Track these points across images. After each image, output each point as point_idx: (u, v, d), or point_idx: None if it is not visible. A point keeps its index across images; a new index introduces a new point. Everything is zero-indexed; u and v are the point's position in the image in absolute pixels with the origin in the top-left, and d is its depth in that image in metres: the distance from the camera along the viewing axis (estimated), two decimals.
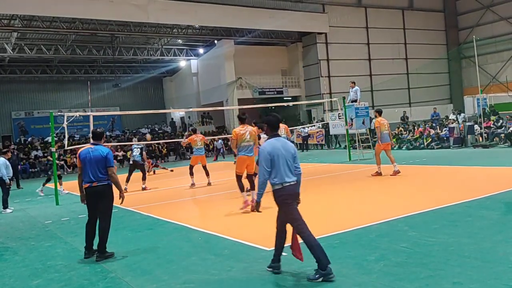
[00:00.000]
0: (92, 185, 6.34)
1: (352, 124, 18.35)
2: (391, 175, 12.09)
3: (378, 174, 12.39)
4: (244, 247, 6.34)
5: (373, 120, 13.10)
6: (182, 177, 15.68)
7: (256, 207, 5.38)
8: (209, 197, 11.73)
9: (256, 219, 8.35)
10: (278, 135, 5.21)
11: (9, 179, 11.76)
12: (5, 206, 11.82)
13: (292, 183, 4.99)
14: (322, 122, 27.34)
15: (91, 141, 6.73)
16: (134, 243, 7.15)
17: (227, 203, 10.20)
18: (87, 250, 6.48)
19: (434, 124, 23.87)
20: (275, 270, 5.12)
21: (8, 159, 12.27)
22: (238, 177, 9.19)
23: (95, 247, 6.47)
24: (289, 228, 5.13)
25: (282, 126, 11.13)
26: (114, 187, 6.53)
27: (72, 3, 24.12)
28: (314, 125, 28.82)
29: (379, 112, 12.93)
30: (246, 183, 9.28)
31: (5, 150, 12.96)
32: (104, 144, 6.92)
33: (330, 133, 25.05)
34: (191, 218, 9.27)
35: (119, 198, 6.50)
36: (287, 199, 4.99)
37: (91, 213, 6.51)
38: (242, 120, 9.29)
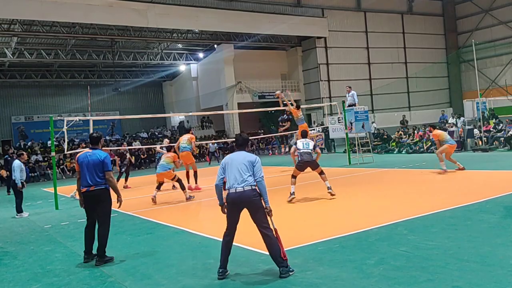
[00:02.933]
0: (90, 189, 6.35)
1: (351, 128, 18.35)
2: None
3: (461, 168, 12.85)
4: (244, 251, 6.33)
5: (432, 133, 13.89)
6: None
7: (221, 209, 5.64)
8: (208, 201, 11.71)
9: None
10: (241, 150, 5.63)
11: (22, 182, 11.49)
12: (19, 210, 11.58)
13: (238, 190, 5.26)
14: (322, 126, 27.33)
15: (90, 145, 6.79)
16: (134, 247, 7.14)
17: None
18: (86, 255, 6.48)
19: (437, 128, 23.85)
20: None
21: (24, 163, 12.06)
22: None
23: (94, 251, 6.47)
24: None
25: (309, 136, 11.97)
26: (112, 192, 6.54)
27: (72, 8, 24.20)
28: (314, 129, 28.78)
29: (434, 127, 14.19)
30: None
31: (20, 152, 12.74)
32: (107, 148, 6.96)
33: (330, 137, 25.04)
34: (190, 222, 9.26)
35: (117, 202, 6.54)
36: (229, 205, 5.40)
37: (90, 217, 6.54)
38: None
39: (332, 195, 9.87)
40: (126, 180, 16.90)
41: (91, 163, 6.37)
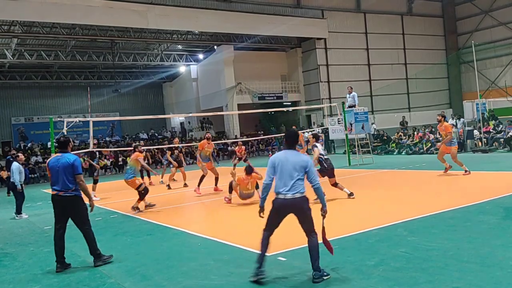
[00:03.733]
0: (59, 193, 6.22)
1: (351, 129, 18.37)
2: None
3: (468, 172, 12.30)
4: (244, 252, 6.34)
5: (444, 124, 12.73)
6: (182, 182, 15.65)
7: (259, 211, 5.40)
8: (208, 202, 11.72)
9: (256, 224, 8.35)
10: (292, 149, 5.26)
11: (21, 184, 11.53)
12: (19, 211, 11.60)
13: (288, 197, 4.97)
14: (322, 127, 27.35)
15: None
16: (134, 249, 7.14)
17: (226, 209, 10.20)
18: (59, 264, 6.24)
19: (433, 129, 23.88)
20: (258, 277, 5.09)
21: (23, 164, 12.08)
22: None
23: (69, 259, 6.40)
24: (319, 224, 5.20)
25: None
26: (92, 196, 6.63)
27: (72, 9, 24.20)
28: (314, 130, 28.81)
29: (444, 117, 13.04)
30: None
31: (15, 154, 12.76)
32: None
33: (330, 138, 25.04)
34: (190, 223, 9.27)
35: (89, 206, 6.50)
36: (273, 209, 5.11)
37: (58, 222, 6.34)
38: None
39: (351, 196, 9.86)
40: (148, 177, 16.74)
41: (61, 167, 6.23)
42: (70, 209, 6.28)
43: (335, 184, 10.02)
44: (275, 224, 5.16)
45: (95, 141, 20.18)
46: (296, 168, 4.99)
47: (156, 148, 26.00)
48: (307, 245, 5.11)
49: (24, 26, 25.60)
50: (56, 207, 6.33)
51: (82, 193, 6.38)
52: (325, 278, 4.89)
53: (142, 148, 12.19)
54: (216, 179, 13.06)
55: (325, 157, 10.01)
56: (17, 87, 34.45)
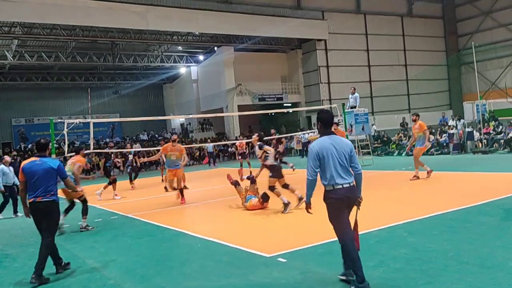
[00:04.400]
0: (36, 200, 5.93)
1: (351, 130, 18.39)
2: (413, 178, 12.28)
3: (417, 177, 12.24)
4: (244, 253, 6.34)
5: (417, 123, 12.55)
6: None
7: (306, 207, 4.89)
8: (207, 203, 11.72)
9: (256, 225, 8.36)
10: (332, 133, 4.74)
11: (9, 186, 11.72)
12: (15, 210, 11.95)
13: (344, 185, 4.54)
14: None
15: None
16: (134, 250, 7.14)
17: (225, 209, 10.20)
18: (57, 266, 6.18)
19: (433, 130, 23.89)
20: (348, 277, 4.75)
21: (11, 164, 12.23)
22: None
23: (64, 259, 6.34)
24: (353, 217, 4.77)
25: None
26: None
27: (72, 10, 24.21)
28: (314, 131, 28.81)
29: (418, 115, 12.88)
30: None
31: (1, 156, 12.88)
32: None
33: None
34: (190, 224, 9.28)
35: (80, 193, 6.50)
36: (335, 202, 4.58)
37: (40, 228, 6.13)
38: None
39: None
40: (131, 180, 16.70)
41: (39, 172, 5.91)
42: (45, 214, 5.97)
43: (285, 186, 9.52)
44: (344, 221, 4.62)
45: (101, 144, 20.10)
46: (346, 154, 4.57)
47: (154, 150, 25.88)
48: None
49: (24, 28, 25.62)
50: (34, 215, 6.01)
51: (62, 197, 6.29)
52: None
53: (85, 152, 10.59)
54: (181, 191, 11.64)
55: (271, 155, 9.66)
56: (17, 88, 34.49)
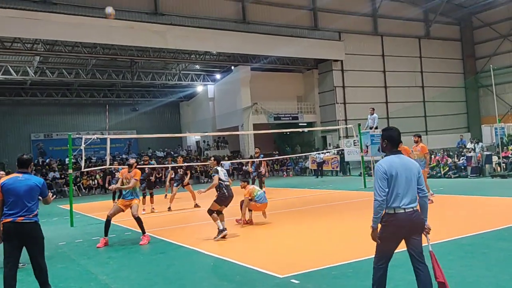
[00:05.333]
0: (16, 220, 5.18)
1: (367, 151, 18.26)
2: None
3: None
4: (256, 273, 6.27)
5: (418, 145, 12.23)
6: (198, 201, 15.63)
7: (371, 234, 4.45)
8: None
9: (269, 244, 8.29)
10: (399, 152, 4.43)
11: None
12: None
13: (407, 209, 4.19)
14: (337, 149, 27.26)
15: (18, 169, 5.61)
16: (146, 267, 7.12)
17: (238, 228, 10.14)
18: None
19: (451, 153, 23.60)
20: None
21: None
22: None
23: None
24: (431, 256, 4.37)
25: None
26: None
27: (94, 28, 24.80)
28: (329, 151, 28.74)
29: (420, 137, 12.53)
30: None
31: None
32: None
33: (345, 160, 24.91)
34: (203, 242, 9.23)
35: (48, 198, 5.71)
36: (392, 227, 4.22)
37: (11, 257, 5.22)
38: None
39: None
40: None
41: (23, 190, 5.29)
42: (29, 239, 5.26)
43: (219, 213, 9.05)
44: (392, 250, 4.30)
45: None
46: (414, 175, 4.24)
47: (161, 167, 25.37)
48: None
49: (46, 45, 26.29)
50: (11, 238, 5.19)
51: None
52: None
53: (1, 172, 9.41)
54: (138, 221, 9.24)
55: (226, 183, 9.07)
56: (37, 104, 35.17)
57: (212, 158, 9.62)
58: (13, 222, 5.18)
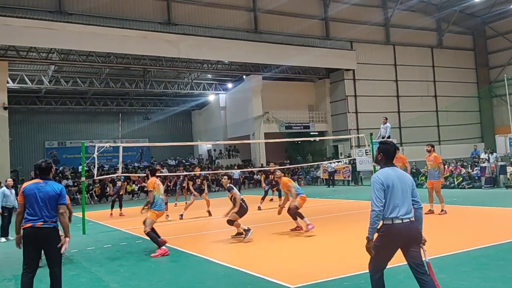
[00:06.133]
0: (36, 225, 5.27)
1: None
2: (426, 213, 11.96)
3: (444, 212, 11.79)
4: (267, 283, 6.23)
5: (432, 154, 12.17)
6: (211, 209, 15.63)
7: (366, 245, 4.44)
8: (232, 231, 11.65)
9: (279, 253, 8.24)
10: (393, 165, 4.56)
11: (9, 207, 11.94)
12: (3, 234, 12.04)
13: (404, 220, 4.29)
14: (349, 158, 27.12)
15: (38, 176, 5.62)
16: (157, 275, 7.12)
17: (250, 237, 10.11)
18: None
19: (465, 163, 23.33)
20: None
21: (12, 187, 12.45)
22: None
23: None
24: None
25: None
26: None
27: (108, 38, 25.17)
28: (341, 161, 28.61)
29: (433, 146, 12.46)
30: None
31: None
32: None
33: (357, 169, 24.76)
34: (214, 251, 9.21)
35: (62, 244, 5.38)
36: (389, 237, 4.29)
37: (31, 261, 5.36)
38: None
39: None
40: (112, 207, 16.60)
41: (43, 195, 5.35)
42: (47, 243, 5.31)
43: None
44: (388, 259, 4.41)
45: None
46: (409, 186, 4.39)
47: (174, 175, 25.22)
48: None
49: (61, 54, 26.69)
50: (30, 243, 5.29)
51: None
52: None
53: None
54: (149, 236, 9.04)
55: (242, 196, 10.01)
56: (52, 112, 35.62)
57: (226, 177, 10.65)
58: (32, 227, 5.26)
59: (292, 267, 7.15)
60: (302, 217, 9.83)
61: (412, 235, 4.30)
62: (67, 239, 5.41)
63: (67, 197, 5.61)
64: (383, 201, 4.27)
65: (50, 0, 25.44)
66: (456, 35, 39.00)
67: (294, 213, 9.83)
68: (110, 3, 26.96)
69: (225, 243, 10.51)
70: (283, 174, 10.99)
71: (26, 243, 5.30)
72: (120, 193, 16.86)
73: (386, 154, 4.53)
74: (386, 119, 18.95)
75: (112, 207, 16.78)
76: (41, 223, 5.27)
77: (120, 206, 16.93)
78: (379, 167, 4.60)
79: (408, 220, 4.28)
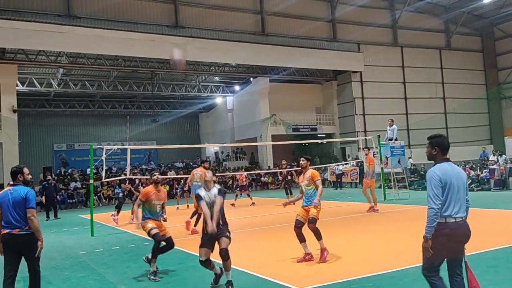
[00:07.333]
0: (12, 232, 5.33)
1: (387, 163, 18.04)
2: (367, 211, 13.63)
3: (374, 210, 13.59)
4: (274, 285, 6.23)
5: (365, 156, 14.40)
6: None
7: (423, 245, 4.12)
8: (240, 233, 11.65)
9: (287, 255, 8.22)
10: (449, 160, 4.32)
11: None
12: None
13: (458, 219, 4.11)
14: (357, 160, 27.02)
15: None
16: (164, 278, 7.13)
17: (258, 239, 10.10)
18: None
19: (473, 165, 23.17)
20: None
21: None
22: None
23: None
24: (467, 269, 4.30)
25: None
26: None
27: (116, 41, 25.32)
28: (348, 163, 28.50)
29: (369, 149, 14.36)
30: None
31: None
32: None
33: (364, 171, 24.65)
34: None
35: (38, 248, 5.37)
36: (442, 238, 4.06)
37: (10, 267, 5.39)
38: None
39: None
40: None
41: (13, 202, 5.37)
42: (25, 249, 5.38)
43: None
44: (441, 261, 4.18)
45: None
46: (464, 184, 4.20)
47: (174, 178, 24.81)
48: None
49: (70, 57, 26.90)
50: (8, 248, 5.37)
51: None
52: None
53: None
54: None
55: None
56: (61, 115, 35.87)
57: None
58: (9, 234, 5.35)
59: (300, 270, 7.13)
60: (304, 240, 7.74)
61: (463, 234, 4.15)
62: (39, 243, 5.37)
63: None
64: (441, 198, 4.07)
65: (59, 3, 25.63)
66: (464, 36, 38.75)
67: (315, 229, 7.73)
68: (118, 6, 27.11)
69: (233, 246, 10.51)
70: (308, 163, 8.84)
71: (5, 249, 5.41)
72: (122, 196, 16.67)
73: (442, 147, 4.30)
74: (392, 121, 18.86)
75: (119, 210, 16.56)
76: (17, 230, 5.34)
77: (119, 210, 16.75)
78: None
79: (461, 219, 4.13)
